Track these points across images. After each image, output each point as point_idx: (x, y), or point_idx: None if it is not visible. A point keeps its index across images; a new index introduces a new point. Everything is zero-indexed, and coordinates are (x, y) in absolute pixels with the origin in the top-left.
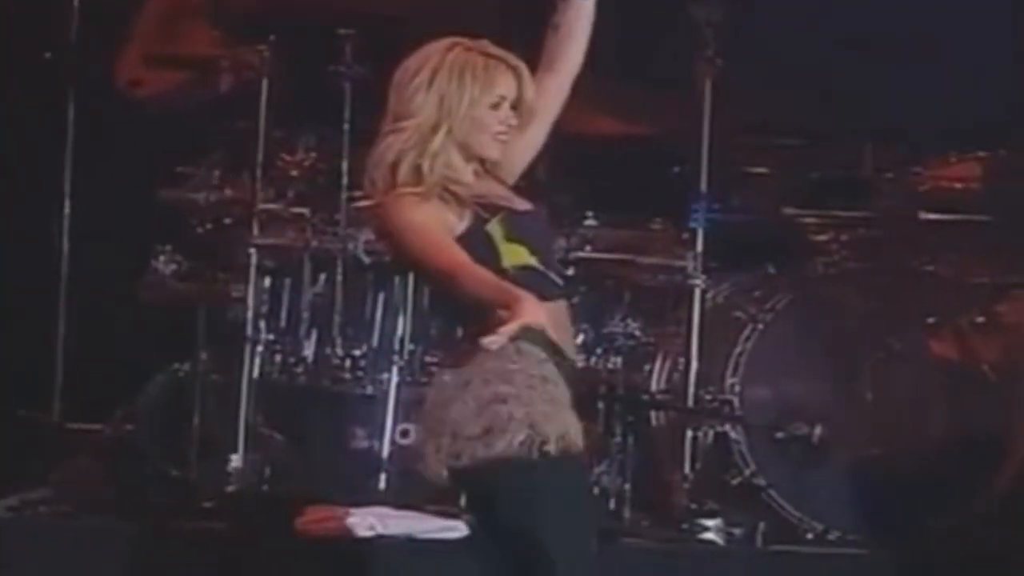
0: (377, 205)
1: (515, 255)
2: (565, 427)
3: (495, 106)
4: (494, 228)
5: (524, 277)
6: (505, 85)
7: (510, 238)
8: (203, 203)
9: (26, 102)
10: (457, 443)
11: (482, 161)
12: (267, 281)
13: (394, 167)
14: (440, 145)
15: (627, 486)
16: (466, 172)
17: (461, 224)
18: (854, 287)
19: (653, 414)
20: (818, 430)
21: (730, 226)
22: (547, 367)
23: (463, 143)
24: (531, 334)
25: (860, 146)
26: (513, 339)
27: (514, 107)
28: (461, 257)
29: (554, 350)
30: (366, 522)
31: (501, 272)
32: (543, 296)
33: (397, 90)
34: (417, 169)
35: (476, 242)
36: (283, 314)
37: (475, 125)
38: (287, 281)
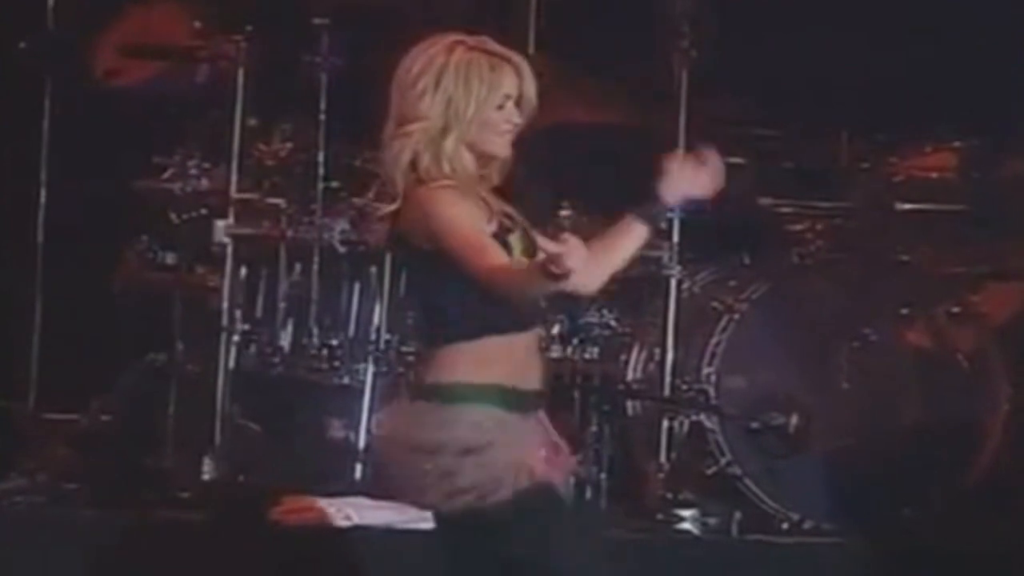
0: (408, 198)
1: None
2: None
3: (500, 106)
4: (515, 241)
5: None
6: (509, 84)
7: (524, 253)
8: (179, 193)
9: (1, 92)
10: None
11: (489, 161)
12: (243, 271)
13: (413, 165)
14: (453, 147)
15: (603, 476)
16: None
17: (489, 228)
18: (830, 277)
19: (629, 404)
20: (794, 420)
21: (706, 216)
22: (499, 427)
23: (471, 143)
24: (484, 392)
25: (835, 136)
26: (467, 401)
27: (516, 104)
28: (501, 260)
29: (514, 399)
30: (342, 512)
31: None
32: (532, 321)
33: (401, 91)
34: (438, 167)
35: None
36: (259, 304)
37: (483, 126)
38: (263, 271)
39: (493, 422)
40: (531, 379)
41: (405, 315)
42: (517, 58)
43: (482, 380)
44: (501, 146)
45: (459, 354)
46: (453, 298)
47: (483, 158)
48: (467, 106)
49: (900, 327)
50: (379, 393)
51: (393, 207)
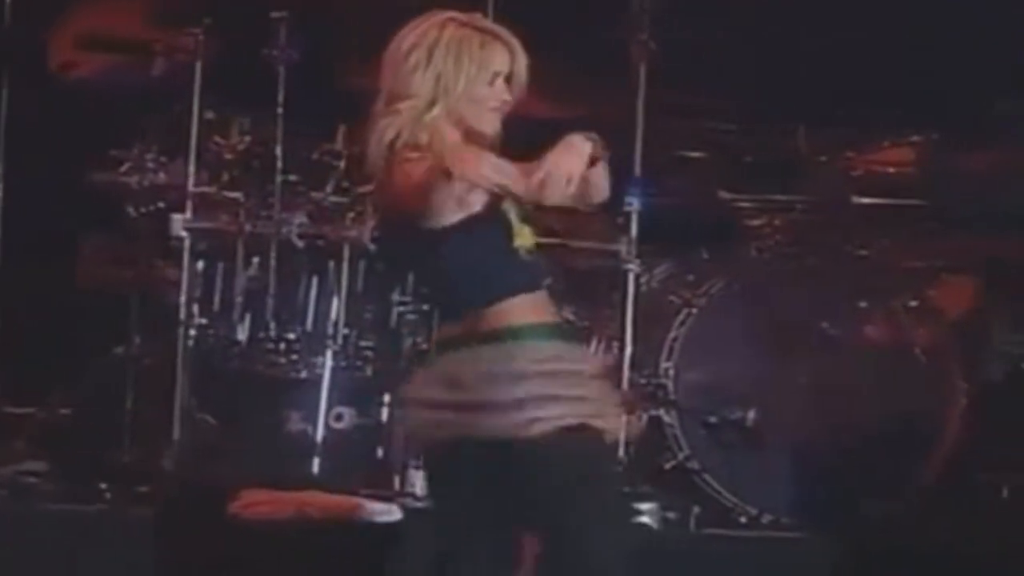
0: (382, 176)
1: (524, 236)
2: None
3: (491, 83)
4: (509, 207)
5: (531, 259)
6: (500, 62)
7: (523, 219)
8: (136, 187)
9: None
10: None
11: (479, 138)
12: (200, 265)
13: (392, 144)
14: (433, 118)
15: None
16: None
17: (476, 201)
18: (788, 271)
19: None
20: (752, 414)
21: (664, 210)
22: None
23: (459, 119)
24: (534, 328)
25: (794, 131)
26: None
27: (506, 81)
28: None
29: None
30: (300, 506)
31: (512, 251)
32: (538, 283)
33: (392, 68)
34: (415, 140)
35: (493, 221)
36: (217, 298)
37: (472, 101)
38: (221, 265)
39: (571, 350)
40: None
41: (363, 309)
42: (508, 35)
43: (539, 320)
44: (490, 123)
45: (497, 310)
46: (461, 273)
47: (473, 135)
48: (456, 82)
49: (858, 321)
50: (337, 387)
51: (367, 188)
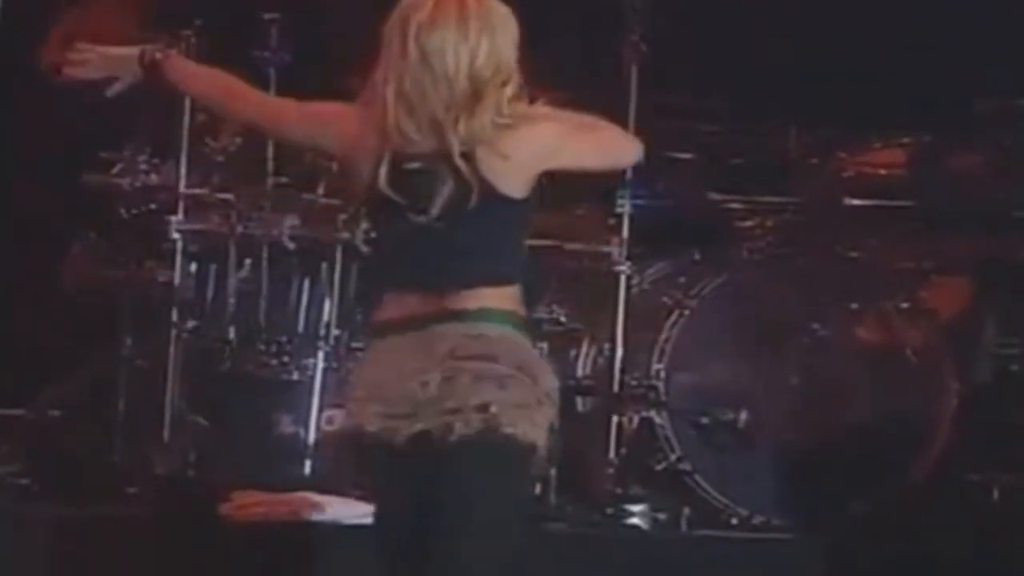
0: (502, 138)
1: None
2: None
3: None
4: None
5: None
6: None
7: None
8: (128, 188)
9: None
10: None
11: None
12: (192, 267)
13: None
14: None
15: (552, 471)
16: None
17: None
18: (779, 273)
19: (579, 400)
20: (743, 415)
21: (656, 212)
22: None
23: None
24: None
25: (785, 132)
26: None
27: None
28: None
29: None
30: (291, 508)
31: None
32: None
33: (466, 46)
34: (521, 103)
35: None
36: (208, 299)
37: None
38: (212, 267)
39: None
40: None
41: (355, 310)
42: None
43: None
44: None
45: (497, 293)
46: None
47: None
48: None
49: (849, 322)
50: (328, 389)
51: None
